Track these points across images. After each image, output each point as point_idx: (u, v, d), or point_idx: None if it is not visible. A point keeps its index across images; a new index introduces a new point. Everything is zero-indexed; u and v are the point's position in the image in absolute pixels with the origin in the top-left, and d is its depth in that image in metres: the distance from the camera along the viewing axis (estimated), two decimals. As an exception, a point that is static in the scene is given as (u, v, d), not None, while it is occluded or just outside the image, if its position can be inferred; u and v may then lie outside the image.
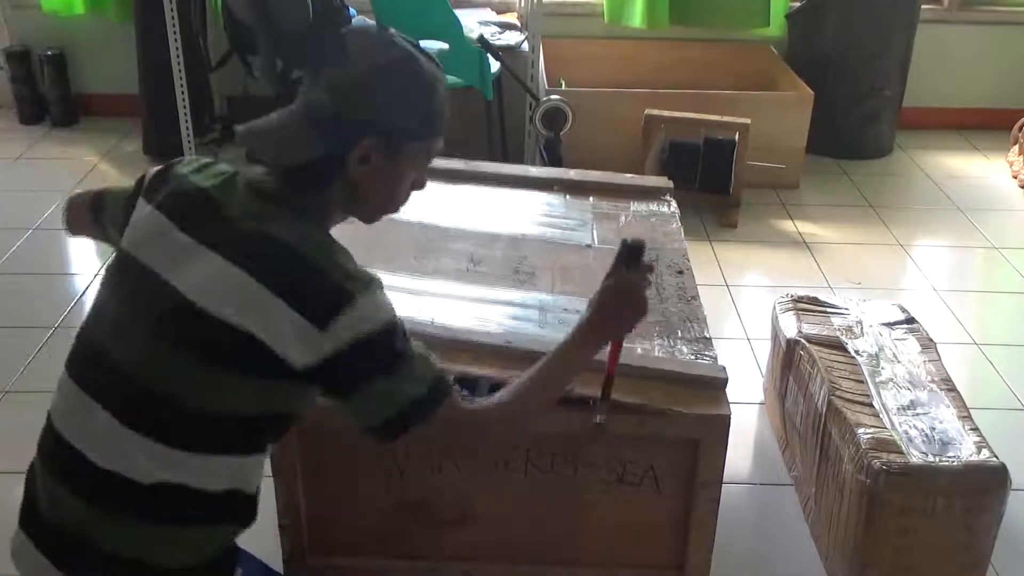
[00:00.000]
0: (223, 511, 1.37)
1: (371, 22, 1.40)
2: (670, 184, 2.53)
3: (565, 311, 1.94)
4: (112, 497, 1.31)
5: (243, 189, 1.37)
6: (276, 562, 1.89)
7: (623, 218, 2.36)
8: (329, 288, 1.29)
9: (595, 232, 2.28)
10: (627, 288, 1.51)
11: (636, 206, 2.42)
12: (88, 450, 1.32)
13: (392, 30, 1.39)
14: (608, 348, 1.58)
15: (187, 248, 1.32)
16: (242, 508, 1.41)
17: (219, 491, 1.35)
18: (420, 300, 1.94)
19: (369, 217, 1.47)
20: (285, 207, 1.35)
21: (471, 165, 2.54)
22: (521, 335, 1.85)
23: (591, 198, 2.44)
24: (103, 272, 1.43)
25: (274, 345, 1.27)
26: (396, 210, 1.48)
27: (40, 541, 1.36)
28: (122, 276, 1.38)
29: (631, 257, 1.53)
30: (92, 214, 1.58)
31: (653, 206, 2.42)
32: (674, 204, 2.44)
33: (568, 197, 2.44)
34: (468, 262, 2.11)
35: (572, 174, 2.56)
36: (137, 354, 1.31)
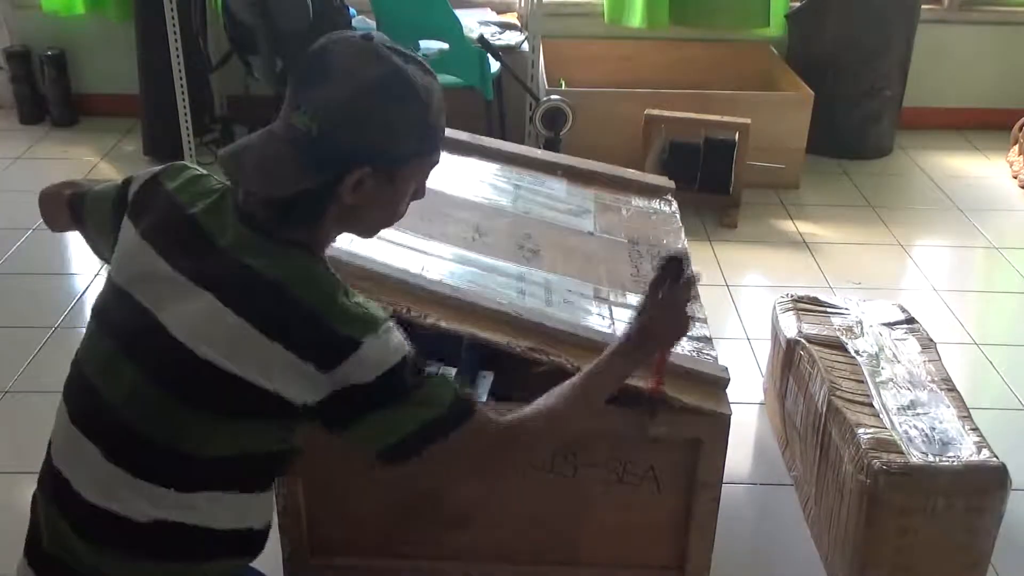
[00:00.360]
0: (228, 547, 1.34)
1: (356, 33, 1.30)
2: (672, 184, 2.53)
3: (569, 292, 1.93)
4: (109, 534, 1.29)
5: (233, 216, 1.30)
6: (276, 562, 1.89)
7: (624, 211, 2.35)
8: (333, 336, 1.24)
9: (596, 221, 2.27)
10: (668, 304, 1.46)
11: (637, 201, 2.42)
12: (81, 487, 1.30)
13: (376, 39, 1.28)
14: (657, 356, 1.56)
15: (178, 286, 1.27)
16: (249, 543, 1.38)
17: (224, 529, 1.32)
18: (428, 259, 1.92)
19: (367, 234, 1.40)
20: (277, 238, 1.28)
21: (475, 139, 2.52)
22: (530, 309, 1.83)
23: (593, 188, 2.43)
24: (96, 299, 1.38)
25: (273, 387, 1.23)
26: (394, 223, 1.42)
27: (41, 572, 1.35)
28: (113, 309, 1.33)
29: (672, 271, 1.47)
30: (72, 214, 1.51)
31: (654, 204, 2.42)
32: (675, 204, 2.44)
33: (570, 183, 2.43)
34: (474, 232, 2.09)
35: (576, 161, 2.55)
36: (127, 395, 1.27)
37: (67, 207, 1.50)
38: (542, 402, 1.40)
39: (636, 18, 4.42)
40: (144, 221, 1.34)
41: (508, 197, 2.29)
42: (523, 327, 1.77)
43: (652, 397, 1.65)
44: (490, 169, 2.42)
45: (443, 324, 1.74)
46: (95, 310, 1.37)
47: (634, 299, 1.98)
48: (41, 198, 1.56)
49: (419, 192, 1.38)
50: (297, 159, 1.24)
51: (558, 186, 2.41)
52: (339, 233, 1.37)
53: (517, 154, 2.53)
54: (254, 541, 1.39)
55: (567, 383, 1.42)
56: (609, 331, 1.82)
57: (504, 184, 2.36)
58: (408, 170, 1.32)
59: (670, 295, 1.47)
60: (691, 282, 1.49)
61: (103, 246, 1.44)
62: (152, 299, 1.29)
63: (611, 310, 1.92)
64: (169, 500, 1.27)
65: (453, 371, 2.39)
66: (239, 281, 1.26)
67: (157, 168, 1.41)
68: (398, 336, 1.29)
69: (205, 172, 1.40)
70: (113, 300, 1.33)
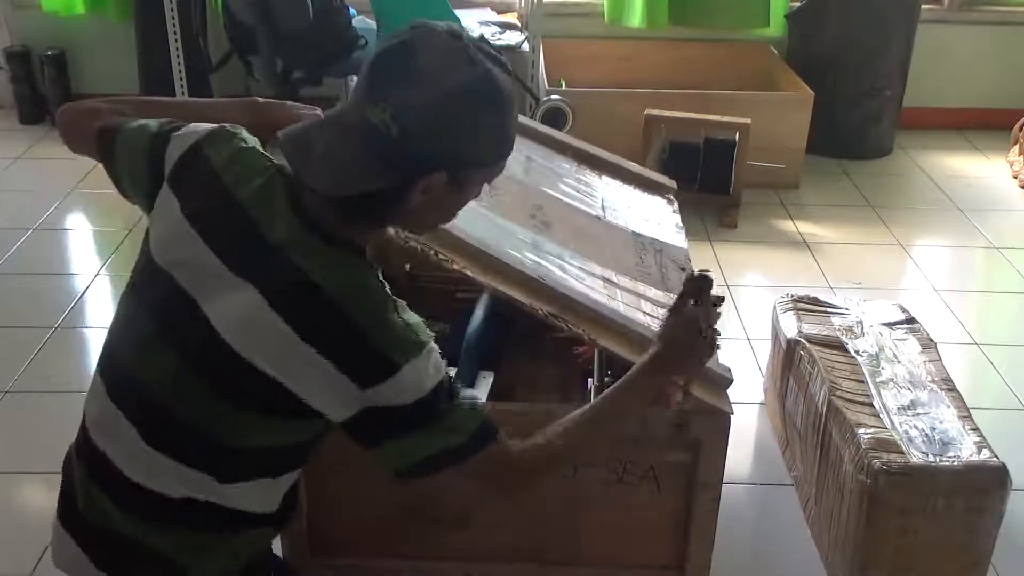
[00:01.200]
0: (260, 520, 1.34)
1: (442, 26, 1.22)
2: (673, 184, 2.53)
3: (581, 269, 1.91)
4: (145, 507, 1.28)
5: (285, 205, 1.24)
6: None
7: (628, 204, 2.35)
8: (375, 355, 1.20)
9: (604, 206, 2.26)
10: (694, 324, 1.40)
11: (641, 196, 2.41)
12: (118, 462, 1.29)
13: (465, 37, 1.21)
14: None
15: (224, 278, 1.23)
16: (280, 514, 1.37)
17: (255, 511, 1.32)
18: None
19: (419, 232, 1.35)
20: (333, 238, 1.23)
21: None
22: (551, 277, 1.80)
23: (600, 175, 2.42)
24: (134, 271, 1.34)
25: (307, 397, 1.22)
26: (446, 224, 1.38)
27: (79, 537, 1.34)
28: (153, 288, 1.29)
29: (698, 291, 1.42)
30: (99, 148, 1.38)
31: (656, 200, 2.42)
32: (676, 203, 2.44)
33: (578, 165, 2.42)
34: (487, 187, 2.08)
35: (584, 145, 2.52)
36: (163, 377, 1.25)
37: (96, 140, 1.38)
38: (566, 423, 1.36)
39: (636, 18, 4.42)
40: (187, 198, 1.28)
41: (520, 167, 2.25)
42: (544, 293, 1.75)
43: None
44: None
45: (469, 273, 1.72)
46: (132, 281, 1.33)
47: (642, 288, 1.97)
48: (63, 120, 1.44)
49: (477, 195, 1.33)
50: (371, 158, 1.18)
51: (567, 166, 2.39)
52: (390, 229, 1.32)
53: (528, 127, 2.49)
54: (285, 517, 1.39)
55: (579, 412, 1.38)
56: (624, 314, 1.81)
57: (516, 153, 2.32)
58: (479, 176, 1.28)
59: (694, 314, 1.41)
60: (718, 303, 1.43)
61: (129, 189, 1.37)
62: (195, 287, 1.24)
63: (619, 294, 1.91)
64: (205, 484, 1.26)
65: (453, 371, 2.40)
66: (289, 285, 1.21)
67: (200, 130, 1.31)
68: (438, 359, 1.26)
69: (251, 144, 1.32)
70: (153, 279, 1.28)
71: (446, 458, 1.27)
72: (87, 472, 1.33)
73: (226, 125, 1.33)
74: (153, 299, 1.29)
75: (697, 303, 1.41)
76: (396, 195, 1.22)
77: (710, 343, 1.42)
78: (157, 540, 1.29)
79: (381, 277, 1.26)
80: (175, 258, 1.27)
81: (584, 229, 2.10)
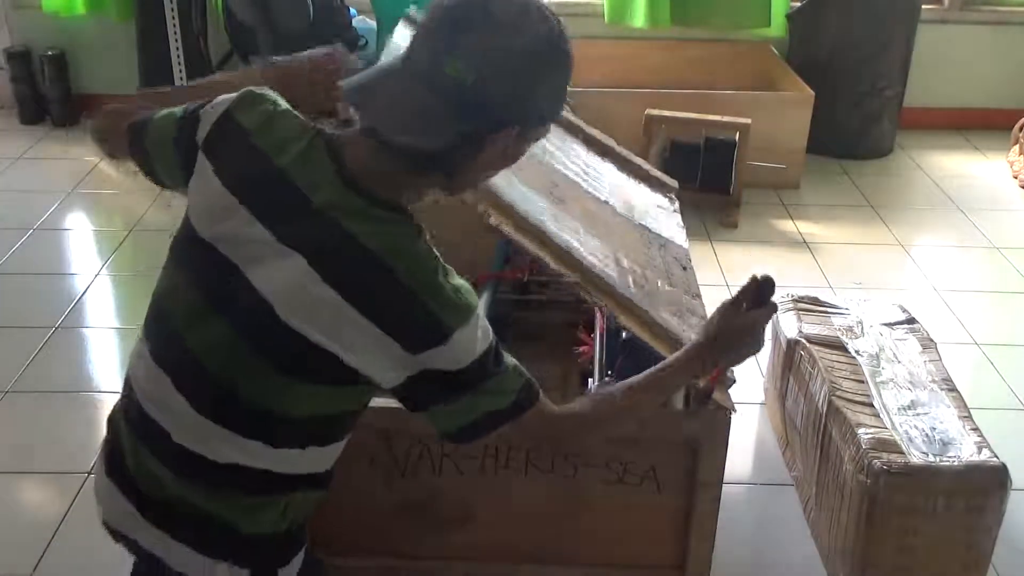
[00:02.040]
0: (307, 483, 1.35)
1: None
2: (675, 184, 2.53)
3: (597, 248, 1.89)
4: (196, 470, 1.28)
5: (330, 169, 1.22)
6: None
7: (635, 196, 2.34)
8: (426, 320, 1.20)
9: (613, 194, 2.26)
10: (752, 325, 1.43)
11: (645, 190, 2.40)
12: (170, 428, 1.28)
13: None
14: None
15: (268, 245, 1.21)
16: (326, 476, 1.38)
17: (301, 473, 1.33)
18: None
19: (458, 192, 1.32)
20: (381, 201, 1.21)
21: None
22: (575, 248, 1.79)
23: (608, 163, 2.41)
24: (175, 239, 1.31)
25: (357, 364, 1.22)
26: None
27: (127, 490, 1.34)
28: (197, 260, 1.27)
29: (760, 294, 1.45)
30: (130, 145, 1.39)
31: (659, 197, 2.42)
32: (677, 203, 2.44)
33: (588, 150, 2.40)
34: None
35: (594, 132, 2.50)
36: (211, 347, 1.24)
37: (125, 138, 1.39)
38: (605, 394, 1.40)
39: (636, 18, 4.42)
40: (225, 168, 1.26)
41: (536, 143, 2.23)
42: (569, 261, 1.73)
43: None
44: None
45: (504, 228, 1.70)
46: (174, 250, 1.31)
47: (650, 275, 1.97)
48: (96, 128, 1.45)
49: (524, 153, 1.32)
50: (447, 110, 1.16)
51: (578, 148, 2.37)
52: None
53: None
54: (329, 477, 1.40)
55: (624, 383, 1.41)
56: (640, 297, 1.81)
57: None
58: (538, 134, 1.27)
59: (754, 315, 1.44)
60: (775, 308, 1.47)
61: (166, 179, 1.36)
62: (241, 257, 1.23)
63: (630, 279, 1.90)
64: (256, 451, 1.27)
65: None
66: (337, 249, 1.19)
67: (228, 99, 1.30)
68: (486, 324, 1.27)
69: (283, 107, 1.29)
70: (196, 250, 1.27)
71: (490, 420, 1.28)
72: (135, 434, 1.33)
73: (252, 88, 1.31)
74: (198, 270, 1.27)
75: (755, 304, 1.44)
76: (468, 149, 1.20)
77: (759, 343, 1.45)
78: (206, 501, 1.29)
79: (428, 240, 1.25)
80: (219, 231, 1.25)
81: (595, 214, 2.08)
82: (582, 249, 1.81)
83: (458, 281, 1.25)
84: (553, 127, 2.36)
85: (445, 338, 1.20)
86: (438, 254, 1.25)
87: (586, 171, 2.28)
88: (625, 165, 2.46)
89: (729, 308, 1.45)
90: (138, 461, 1.32)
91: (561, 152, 2.28)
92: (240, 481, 1.29)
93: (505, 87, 1.16)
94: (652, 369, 1.44)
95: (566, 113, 2.46)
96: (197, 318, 1.26)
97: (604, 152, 2.45)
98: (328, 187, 1.21)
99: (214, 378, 1.25)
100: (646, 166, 2.56)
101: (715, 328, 1.44)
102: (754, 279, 1.45)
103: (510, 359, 1.30)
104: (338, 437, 1.35)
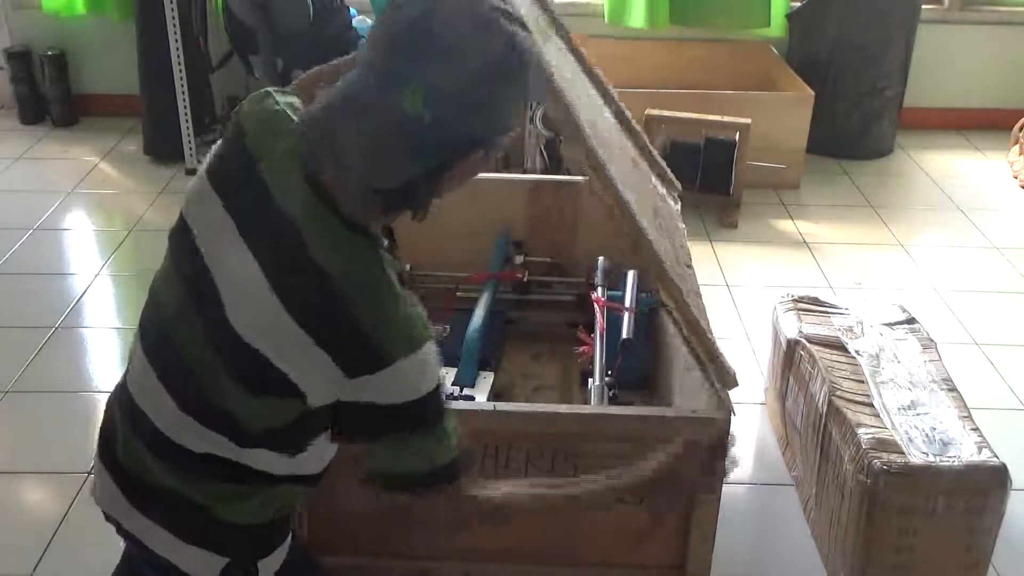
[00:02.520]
0: (288, 480, 1.34)
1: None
2: (679, 186, 2.53)
3: (637, 203, 1.88)
4: (181, 460, 1.28)
5: (302, 178, 1.18)
6: (276, 562, 1.89)
7: (648, 181, 2.33)
8: (370, 347, 1.17)
9: (638, 166, 2.24)
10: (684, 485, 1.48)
11: (655, 181, 2.40)
12: (157, 420, 1.28)
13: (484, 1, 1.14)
14: None
15: (228, 232, 1.20)
16: (310, 478, 1.37)
17: (279, 472, 1.31)
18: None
19: (422, 216, 1.25)
20: (343, 220, 1.18)
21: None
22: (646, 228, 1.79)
23: (630, 142, 2.39)
24: (174, 227, 1.30)
25: (302, 385, 1.20)
26: None
27: (115, 473, 1.35)
28: (179, 245, 1.27)
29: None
30: None
31: (664, 193, 2.42)
32: (679, 203, 2.44)
33: (620, 126, 2.38)
34: None
35: (625, 109, 2.46)
36: (191, 348, 1.24)
37: None
38: (510, 491, 1.39)
39: (636, 18, 4.41)
40: (215, 153, 1.28)
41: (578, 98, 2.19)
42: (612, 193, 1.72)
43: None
44: (569, 63, 2.26)
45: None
46: (170, 236, 1.31)
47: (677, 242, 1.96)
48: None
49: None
50: (407, 147, 1.13)
51: (608, 115, 2.34)
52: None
53: (584, 57, 2.40)
54: (316, 477, 1.38)
55: (538, 486, 1.42)
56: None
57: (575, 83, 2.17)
58: (504, 141, 1.22)
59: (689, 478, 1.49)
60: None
61: None
62: (207, 244, 1.23)
63: (664, 244, 1.89)
64: (224, 446, 1.26)
65: (453, 371, 2.40)
66: (292, 261, 1.17)
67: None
68: (435, 362, 1.22)
69: (282, 106, 1.26)
70: (182, 236, 1.27)
71: (411, 481, 1.27)
72: (126, 420, 1.34)
73: (269, 88, 1.31)
74: (181, 258, 1.28)
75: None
76: (434, 179, 1.18)
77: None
78: (188, 489, 1.30)
79: (388, 267, 1.22)
80: (193, 211, 1.26)
81: (629, 173, 2.07)
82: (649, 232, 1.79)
83: (413, 312, 1.21)
84: (593, 85, 2.32)
85: (388, 365, 1.17)
86: (397, 281, 1.22)
87: (619, 143, 2.26)
88: (642, 150, 2.45)
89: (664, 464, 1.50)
90: (127, 446, 1.33)
91: (597, 112, 2.24)
92: (218, 471, 1.28)
93: (467, 118, 1.13)
94: (571, 491, 1.45)
95: (601, 75, 2.39)
96: (183, 319, 1.26)
97: (630, 130, 2.44)
98: (295, 190, 1.18)
99: (189, 371, 1.25)
100: (659, 159, 2.55)
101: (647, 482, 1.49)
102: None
103: (452, 422, 1.27)
104: (301, 445, 1.30)
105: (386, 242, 1.27)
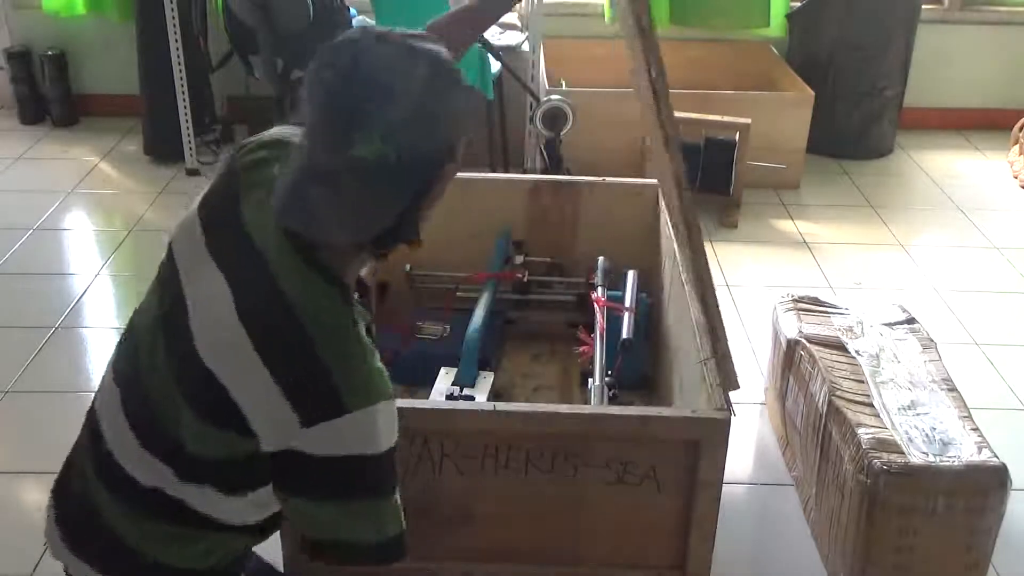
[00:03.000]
0: (235, 529, 1.31)
1: (353, 36, 1.20)
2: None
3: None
4: (129, 492, 1.27)
5: (281, 238, 1.20)
6: (276, 562, 1.89)
7: None
8: (330, 391, 1.16)
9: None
10: None
11: None
12: (111, 444, 1.28)
13: (382, 34, 1.19)
14: None
15: (199, 251, 1.23)
16: (257, 528, 1.34)
17: (226, 521, 1.28)
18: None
19: (417, 244, 1.26)
20: (313, 263, 1.20)
21: None
22: None
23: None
24: (164, 258, 1.31)
25: (254, 423, 1.18)
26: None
27: (62, 515, 1.34)
28: (167, 283, 1.28)
29: None
30: None
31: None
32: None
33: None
34: None
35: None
36: (154, 373, 1.24)
37: None
38: None
39: (636, 18, 4.41)
40: (211, 186, 1.30)
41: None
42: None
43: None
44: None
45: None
46: (159, 267, 1.32)
47: None
48: None
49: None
50: (383, 191, 1.16)
51: None
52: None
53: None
54: (264, 527, 1.34)
55: None
56: None
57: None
58: (465, 146, 1.25)
59: None
60: None
61: None
62: (182, 260, 1.25)
63: None
64: (167, 478, 1.24)
65: (453, 371, 2.40)
66: (265, 301, 1.19)
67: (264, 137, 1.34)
68: (393, 423, 1.21)
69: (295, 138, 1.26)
70: (165, 261, 1.29)
71: (359, 552, 1.24)
72: (87, 447, 1.33)
73: (286, 130, 1.32)
74: (161, 277, 1.29)
75: None
76: (417, 207, 1.20)
77: None
78: (131, 526, 1.28)
79: (359, 319, 1.23)
80: (180, 240, 1.28)
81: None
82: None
83: (378, 367, 1.21)
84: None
85: (339, 415, 1.16)
86: (365, 334, 1.22)
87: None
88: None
89: None
90: (80, 473, 1.33)
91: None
92: (163, 510, 1.26)
93: (429, 136, 1.16)
94: None
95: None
96: (151, 348, 1.26)
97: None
98: (272, 236, 1.20)
99: (152, 408, 1.24)
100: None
101: None
102: None
103: (398, 500, 1.25)
104: (245, 490, 1.26)
105: (357, 296, 1.27)
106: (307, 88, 1.17)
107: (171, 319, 1.25)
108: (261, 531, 1.36)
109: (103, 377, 1.35)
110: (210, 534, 1.29)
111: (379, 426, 1.19)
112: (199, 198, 1.30)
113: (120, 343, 1.34)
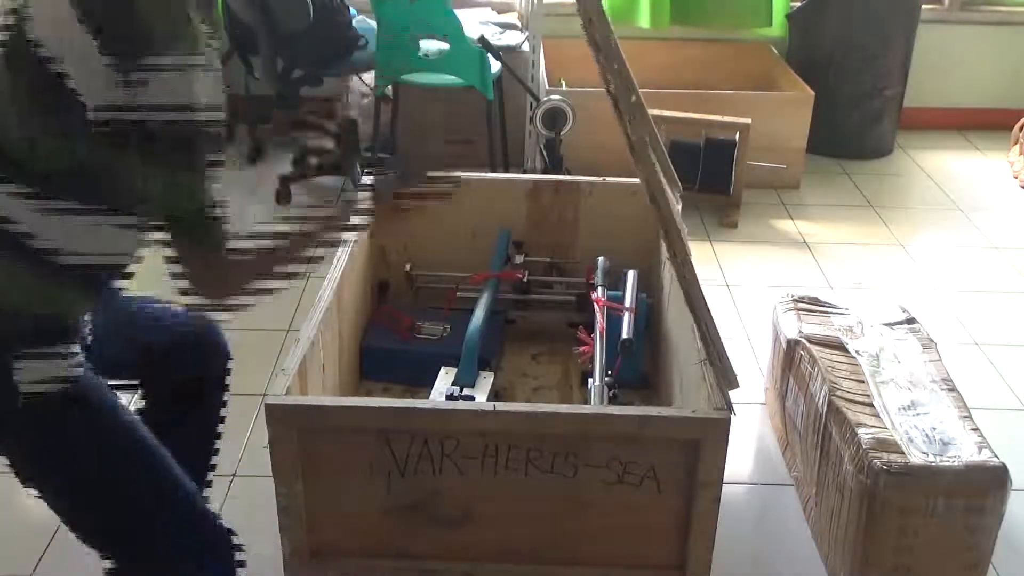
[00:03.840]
0: (76, 275, 1.29)
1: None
2: (679, 187, 2.53)
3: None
4: None
5: None
6: (276, 562, 1.89)
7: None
8: (138, 27, 1.12)
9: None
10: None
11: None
12: None
13: None
14: None
15: None
16: (88, 277, 1.32)
17: (70, 254, 1.26)
18: None
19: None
20: None
21: None
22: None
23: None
24: None
25: (77, 85, 1.15)
26: None
27: None
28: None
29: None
30: None
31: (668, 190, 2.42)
32: (680, 204, 2.44)
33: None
34: None
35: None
36: None
37: None
38: (252, 247, 1.38)
39: (637, 18, 4.42)
40: None
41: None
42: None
43: None
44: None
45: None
46: None
47: None
48: None
49: None
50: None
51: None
52: None
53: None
54: (94, 281, 1.33)
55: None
56: None
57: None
58: None
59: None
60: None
61: None
62: None
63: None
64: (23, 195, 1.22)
65: (453, 371, 2.40)
66: None
67: None
68: (212, 79, 1.19)
69: None
70: None
71: (188, 220, 1.24)
72: None
73: None
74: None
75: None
76: None
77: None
78: None
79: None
80: None
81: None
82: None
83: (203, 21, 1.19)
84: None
85: (150, 49, 1.12)
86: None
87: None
88: (656, 146, 2.46)
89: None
90: None
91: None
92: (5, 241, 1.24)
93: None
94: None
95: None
96: None
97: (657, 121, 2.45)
98: None
99: None
100: (665, 156, 2.55)
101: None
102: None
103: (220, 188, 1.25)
104: (98, 198, 1.26)
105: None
106: None
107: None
108: (92, 284, 1.34)
109: None
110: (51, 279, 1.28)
111: (196, 76, 1.17)
112: None
113: None
